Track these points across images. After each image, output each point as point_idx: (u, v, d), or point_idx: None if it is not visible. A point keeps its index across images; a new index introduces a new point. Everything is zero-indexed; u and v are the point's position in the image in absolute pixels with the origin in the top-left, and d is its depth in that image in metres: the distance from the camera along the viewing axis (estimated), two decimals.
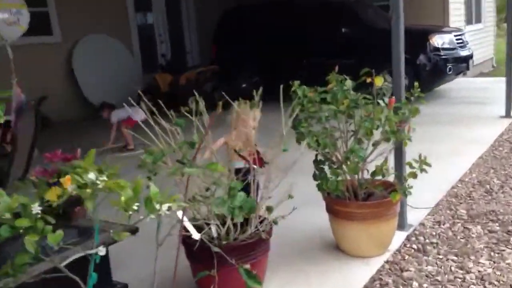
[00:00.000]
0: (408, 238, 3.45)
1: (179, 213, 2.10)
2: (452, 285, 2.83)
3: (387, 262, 3.13)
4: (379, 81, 3.28)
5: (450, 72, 8.92)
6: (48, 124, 8.23)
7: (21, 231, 1.48)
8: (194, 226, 2.65)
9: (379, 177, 3.25)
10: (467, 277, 2.90)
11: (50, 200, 1.68)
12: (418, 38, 8.61)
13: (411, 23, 8.93)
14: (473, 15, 13.39)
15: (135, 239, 2.40)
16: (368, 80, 3.25)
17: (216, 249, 2.31)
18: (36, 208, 1.44)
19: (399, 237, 3.41)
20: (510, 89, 7.12)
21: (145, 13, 11.26)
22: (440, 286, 2.83)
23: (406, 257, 3.19)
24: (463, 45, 9.50)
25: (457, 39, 9.31)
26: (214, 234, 2.66)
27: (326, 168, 3.20)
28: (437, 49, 8.83)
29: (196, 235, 2.27)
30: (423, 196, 4.02)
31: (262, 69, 9.51)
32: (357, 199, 3.21)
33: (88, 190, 1.48)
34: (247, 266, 2.55)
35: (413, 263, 3.10)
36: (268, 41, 9.75)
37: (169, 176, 2.16)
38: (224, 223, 2.66)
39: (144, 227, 1.98)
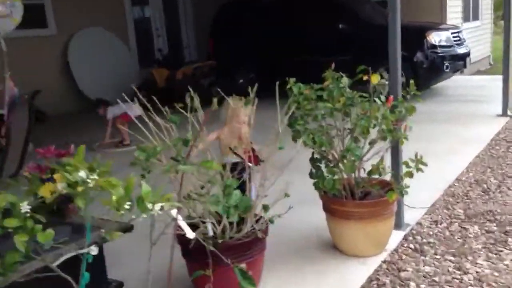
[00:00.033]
0: (405, 238, 3.42)
1: (174, 212, 2.06)
2: (449, 286, 2.80)
3: (384, 262, 3.10)
4: (375, 79, 3.24)
5: (447, 70, 8.88)
6: (43, 118, 8.18)
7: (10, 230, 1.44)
8: (190, 224, 2.61)
9: (376, 176, 3.22)
10: (465, 278, 2.87)
11: (43, 196, 1.64)
12: (415, 35, 8.59)
13: (409, 20, 8.95)
14: (470, 12, 13.37)
15: (131, 236, 2.36)
16: (365, 77, 3.21)
17: (211, 248, 2.26)
18: (25, 207, 1.39)
19: (396, 237, 3.38)
20: (507, 87, 7.10)
21: (142, 6, 11.17)
22: (437, 287, 2.80)
23: (404, 257, 3.16)
24: (460, 42, 9.46)
25: (454, 37, 9.28)
26: (210, 233, 2.62)
27: (322, 166, 3.16)
28: (434, 47, 8.79)
29: (190, 234, 2.23)
30: (420, 195, 3.99)
31: (259, 64, 9.46)
32: (354, 198, 3.17)
33: (79, 189, 1.43)
34: (243, 265, 2.52)
35: (411, 263, 3.07)
36: (265, 37, 9.69)
37: (163, 174, 2.12)
38: (220, 221, 2.62)
39: (140, 224, 1.94)
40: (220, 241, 2.57)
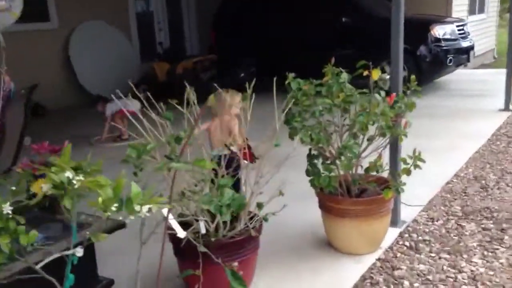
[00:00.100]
0: (401, 235, 3.42)
1: (164, 211, 2.06)
2: (443, 284, 2.80)
3: (378, 259, 3.10)
4: (376, 74, 3.22)
5: (451, 64, 8.81)
6: (43, 112, 8.19)
7: None
8: (183, 222, 2.62)
9: (373, 173, 3.21)
10: (459, 276, 2.87)
11: (35, 192, 1.64)
12: (419, 29, 8.52)
13: (413, 13, 8.88)
14: (476, 5, 13.25)
15: (123, 233, 2.36)
16: (365, 73, 3.18)
17: (202, 249, 2.26)
18: (7, 208, 1.39)
19: (391, 234, 3.37)
20: (510, 81, 7.05)
21: (144, 0, 11.13)
22: (431, 286, 2.79)
23: (398, 254, 3.16)
24: (464, 36, 9.38)
25: (458, 30, 9.19)
26: (203, 231, 2.61)
27: (319, 163, 3.15)
28: (438, 40, 8.72)
29: (181, 234, 2.23)
30: (418, 192, 3.98)
31: (260, 58, 9.42)
32: (350, 195, 3.16)
33: (63, 190, 1.42)
34: (235, 264, 2.52)
35: (405, 261, 3.07)
36: (267, 30, 9.64)
37: (156, 172, 2.12)
38: (213, 219, 2.62)
39: (133, 221, 1.94)
40: (213, 239, 2.57)
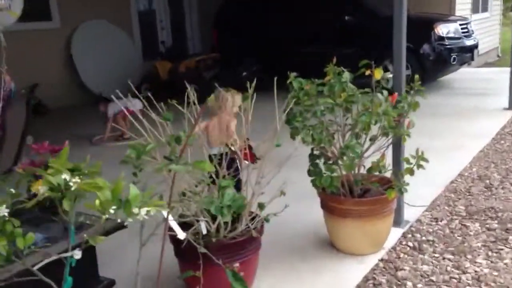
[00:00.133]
0: (404, 235, 3.38)
1: (164, 212, 2.03)
2: (447, 286, 2.77)
3: (381, 260, 3.07)
4: (378, 74, 3.19)
5: (454, 62, 8.78)
6: (45, 111, 8.19)
7: None
8: (183, 222, 2.60)
9: (376, 173, 3.18)
10: (463, 277, 2.83)
11: (36, 192, 1.62)
12: (422, 27, 8.51)
13: (417, 12, 8.84)
14: (479, 3, 13.18)
15: (124, 233, 2.34)
16: (367, 72, 3.15)
17: (202, 250, 2.24)
18: (3, 211, 1.37)
19: (395, 234, 3.34)
20: None
21: None
22: (435, 287, 2.76)
23: (401, 255, 3.13)
24: (468, 34, 9.34)
25: (462, 28, 9.16)
26: (204, 231, 2.59)
27: (321, 163, 3.12)
28: (441, 38, 8.68)
29: (181, 235, 2.21)
30: (421, 191, 3.95)
31: (263, 57, 9.39)
32: (352, 195, 3.13)
33: (59, 193, 1.40)
34: (237, 264, 2.50)
35: (408, 262, 3.04)
36: (269, 29, 9.61)
37: (156, 172, 2.09)
38: (214, 219, 2.60)
39: (134, 220, 1.92)
40: (214, 239, 2.55)
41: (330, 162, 3.09)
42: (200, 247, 2.25)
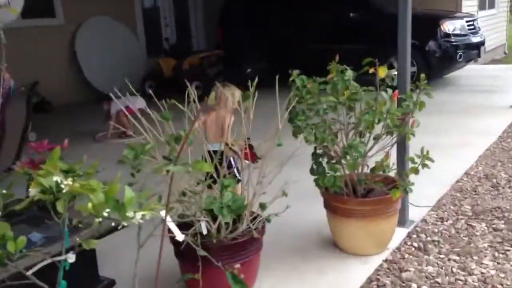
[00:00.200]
0: (409, 236, 3.33)
1: (162, 213, 1.99)
2: None
3: (386, 261, 3.02)
4: (382, 72, 3.13)
5: (461, 59, 8.70)
6: (49, 108, 8.18)
7: None
8: (183, 223, 2.55)
9: (380, 173, 3.13)
10: (469, 279, 2.78)
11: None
12: (428, 24, 8.46)
13: (423, 8, 8.76)
14: (486, 0, 13.05)
15: (124, 232, 2.30)
16: (371, 70, 3.10)
17: (201, 253, 2.20)
18: None
19: (399, 234, 3.29)
20: None
21: None
22: None
23: (406, 256, 3.07)
24: (475, 31, 9.26)
25: (468, 25, 9.08)
26: (204, 231, 2.55)
27: (324, 162, 3.07)
28: (447, 35, 8.61)
29: (180, 237, 2.16)
30: (427, 191, 3.89)
31: (267, 54, 9.34)
32: (356, 195, 3.08)
33: (52, 195, 1.36)
34: (237, 265, 2.46)
35: (413, 263, 2.98)
36: (274, 26, 9.55)
37: (154, 173, 2.05)
38: (215, 220, 2.55)
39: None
40: (214, 240, 2.51)
41: (333, 161, 3.04)
42: (199, 249, 2.21)
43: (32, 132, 6.24)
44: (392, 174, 3.21)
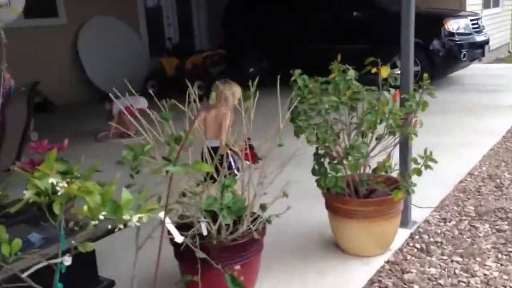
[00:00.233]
0: (411, 237, 3.30)
1: (161, 214, 1.98)
2: None
3: (387, 262, 2.99)
4: (385, 71, 3.10)
5: (465, 58, 8.65)
6: (52, 108, 8.18)
7: None
8: (184, 224, 2.54)
9: (382, 173, 3.10)
10: (472, 281, 2.75)
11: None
12: (432, 23, 8.40)
13: (427, 7, 8.71)
14: None
15: (124, 232, 2.28)
16: (373, 70, 3.07)
17: (200, 255, 2.18)
18: None
19: (401, 235, 3.26)
20: None
21: None
22: None
23: (408, 257, 3.05)
24: (479, 30, 9.20)
25: (473, 24, 9.02)
26: (204, 232, 2.53)
27: (326, 162, 3.04)
28: (451, 34, 8.56)
29: (179, 238, 2.15)
30: (430, 191, 3.86)
31: (270, 53, 9.31)
32: (358, 196, 3.05)
33: (47, 197, 1.34)
34: (238, 267, 2.44)
35: (415, 264, 2.95)
36: (276, 26, 9.51)
37: (153, 174, 2.03)
38: (215, 221, 2.53)
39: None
40: (215, 241, 2.49)
41: (335, 162, 3.02)
42: (198, 251, 2.19)
43: (34, 132, 6.25)
44: (394, 174, 3.18)
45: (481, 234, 3.31)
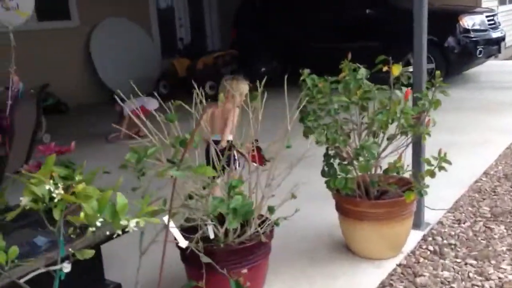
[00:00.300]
0: (424, 239, 3.23)
1: (165, 218, 1.95)
2: None
3: (399, 265, 2.92)
4: (396, 70, 3.03)
5: (480, 55, 8.53)
6: (65, 109, 8.23)
7: None
8: (191, 227, 2.50)
9: (394, 174, 3.04)
10: (486, 284, 2.67)
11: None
12: (447, 19, 8.33)
13: (441, 4, 8.59)
14: None
15: (131, 234, 2.26)
16: (384, 68, 3.00)
17: (205, 259, 2.14)
18: None
19: (414, 237, 3.19)
20: None
21: None
22: None
23: (421, 260, 2.98)
24: (495, 26, 9.07)
25: (488, 20, 8.89)
26: (211, 236, 2.49)
27: (336, 163, 2.99)
28: (467, 31, 8.44)
29: (183, 243, 2.12)
30: (444, 191, 3.78)
31: (281, 53, 9.27)
32: (369, 197, 2.99)
33: (44, 204, 1.32)
34: (245, 271, 2.39)
35: (428, 267, 2.88)
36: (288, 25, 9.46)
37: (158, 177, 2.00)
38: (222, 224, 2.49)
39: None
40: (222, 244, 2.45)
41: (345, 162, 2.96)
42: (203, 256, 2.15)
43: (46, 133, 6.29)
44: (406, 175, 3.11)
45: (496, 236, 3.23)
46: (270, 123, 2.73)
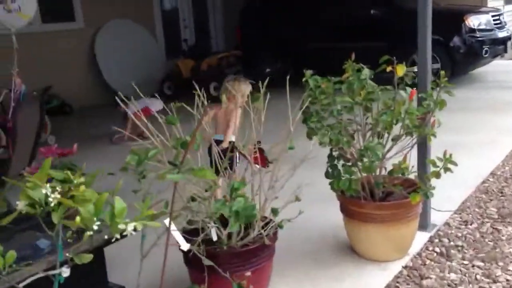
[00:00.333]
0: (430, 240, 3.19)
1: (166, 221, 1.92)
2: None
3: (405, 267, 2.89)
4: (401, 70, 3.00)
5: (486, 55, 8.47)
6: (70, 111, 8.24)
7: None
8: (193, 229, 2.48)
9: (399, 175, 3.00)
10: (494, 287, 2.63)
11: None
12: (452, 19, 8.30)
13: (447, 4, 8.54)
14: None
15: (134, 237, 2.24)
16: (388, 69, 2.97)
17: (207, 262, 2.12)
18: None
19: (420, 239, 3.15)
20: None
21: None
22: None
23: (427, 262, 2.94)
24: (501, 26, 9.01)
25: (494, 20, 8.84)
26: (214, 238, 2.47)
27: (340, 165, 2.95)
28: (472, 31, 8.38)
29: (184, 246, 2.09)
30: (450, 192, 3.74)
31: (286, 54, 9.24)
32: (373, 199, 2.96)
33: (40, 208, 1.29)
34: (248, 273, 2.37)
35: (435, 269, 2.84)
36: (292, 26, 9.43)
37: (158, 180, 1.98)
38: (225, 226, 2.47)
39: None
40: (225, 247, 2.43)
41: (349, 163, 2.93)
42: (204, 259, 2.12)
43: (51, 135, 6.29)
44: (412, 176, 3.07)
45: (503, 237, 3.18)
46: (273, 124, 2.71)
